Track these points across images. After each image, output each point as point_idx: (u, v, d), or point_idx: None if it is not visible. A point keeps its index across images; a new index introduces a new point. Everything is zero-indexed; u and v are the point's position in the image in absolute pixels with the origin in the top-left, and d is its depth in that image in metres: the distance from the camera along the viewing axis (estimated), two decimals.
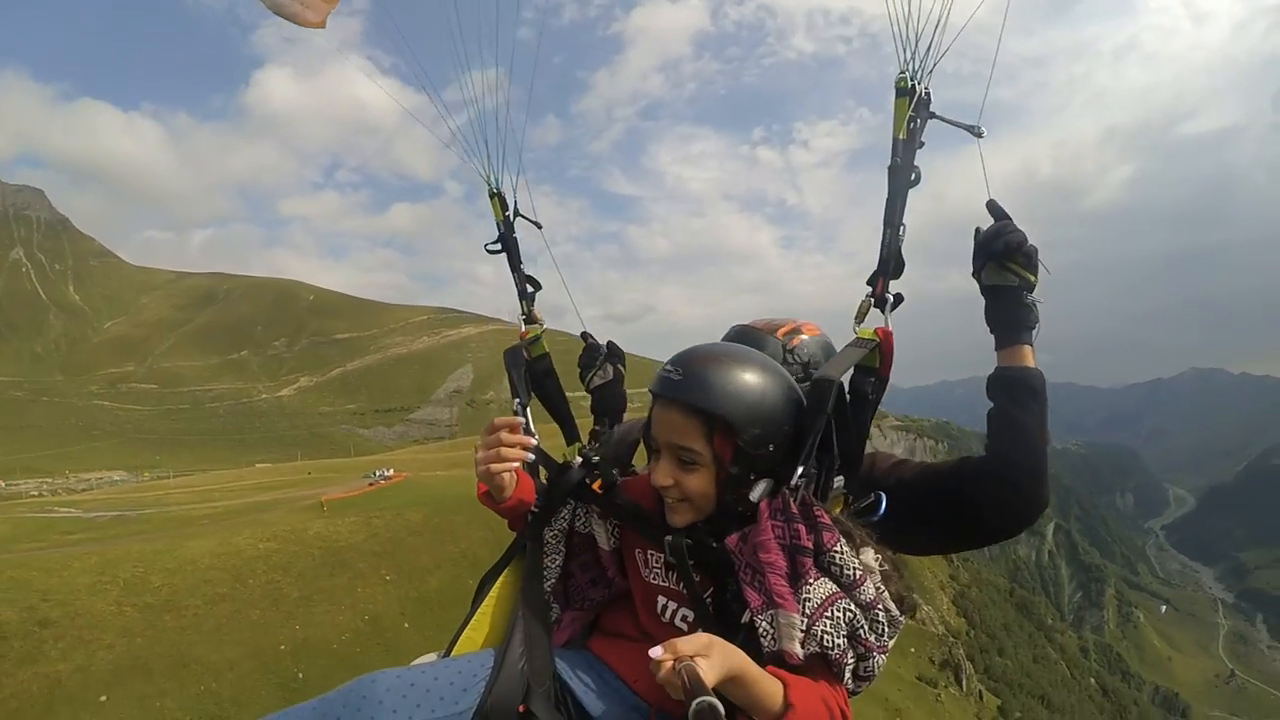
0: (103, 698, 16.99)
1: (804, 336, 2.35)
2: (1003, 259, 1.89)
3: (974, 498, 1.89)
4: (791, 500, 1.64)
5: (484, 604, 2.06)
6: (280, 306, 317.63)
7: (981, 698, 48.75)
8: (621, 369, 2.56)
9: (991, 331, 1.94)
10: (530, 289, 2.69)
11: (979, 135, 1.94)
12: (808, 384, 2.01)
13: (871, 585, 1.57)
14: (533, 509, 2.09)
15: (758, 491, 1.71)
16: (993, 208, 1.93)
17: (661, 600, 1.89)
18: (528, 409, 2.31)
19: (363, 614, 24.79)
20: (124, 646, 10.91)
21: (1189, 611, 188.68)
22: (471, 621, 2.04)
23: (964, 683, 46.74)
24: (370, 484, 49.91)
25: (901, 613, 1.62)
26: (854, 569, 1.57)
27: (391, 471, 57.02)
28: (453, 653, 1.97)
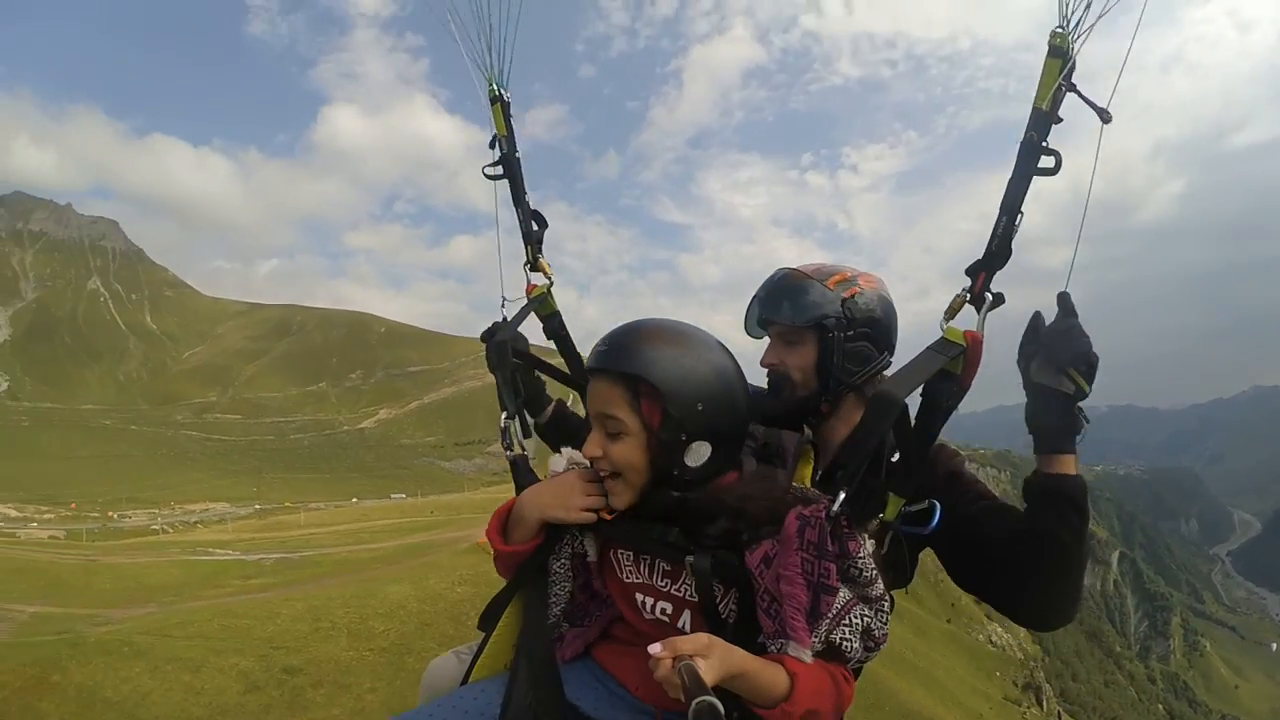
0: None
1: (861, 288, 2.09)
2: (1066, 364, 1.68)
3: (1008, 589, 1.82)
4: (829, 535, 1.51)
5: (498, 630, 2.00)
6: (353, 338, 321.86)
7: (1060, 718, 49.43)
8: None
9: (1032, 433, 1.77)
10: (536, 227, 2.38)
11: (1107, 120, 1.64)
12: (862, 344, 2.04)
13: (881, 581, 1.55)
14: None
15: (696, 456, 1.66)
16: (1063, 302, 1.69)
17: (639, 596, 1.82)
18: (517, 421, 2.14)
19: None
20: (386, 689, 10.73)
21: (1256, 639, 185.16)
22: (488, 647, 2.00)
23: (1044, 704, 47.45)
24: None
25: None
26: (871, 569, 1.53)
27: None
28: (471, 677, 1.98)
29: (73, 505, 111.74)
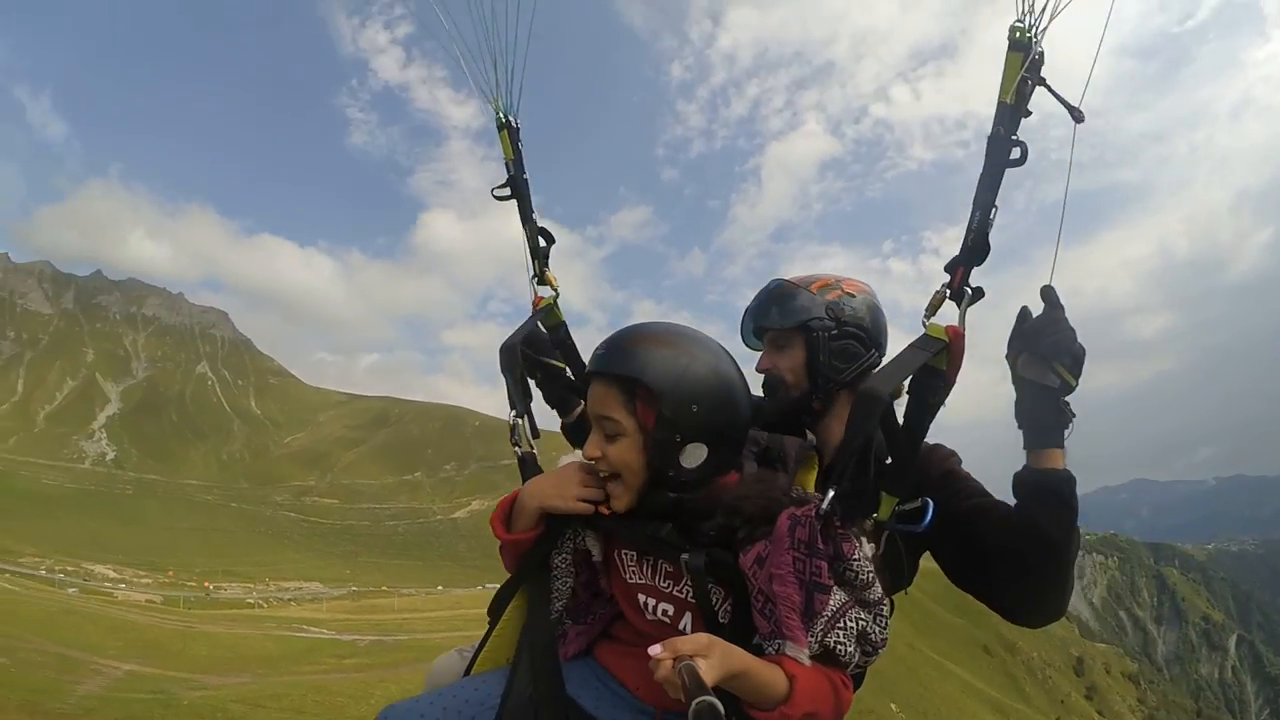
0: None
1: (844, 290, 2.22)
2: (1049, 357, 1.73)
3: (1000, 586, 1.90)
4: (820, 533, 1.53)
5: (500, 624, 2.04)
6: (448, 431, 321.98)
7: None
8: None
9: (1021, 428, 1.83)
10: (544, 243, 2.49)
11: (1079, 120, 1.71)
12: (848, 342, 2.16)
13: (880, 585, 1.56)
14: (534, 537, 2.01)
15: (693, 457, 1.68)
16: (1047, 295, 1.75)
17: (642, 597, 1.84)
18: (525, 421, 2.22)
19: None
20: None
21: None
22: (490, 640, 2.04)
23: None
24: None
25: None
26: (867, 572, 1.54)
27: None
28: (474, 670, 2.02)
29: (170, 573, 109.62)
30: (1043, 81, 1.70)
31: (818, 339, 2.16)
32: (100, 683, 15.04)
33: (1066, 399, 1.76)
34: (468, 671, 2.03)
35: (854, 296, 2.22)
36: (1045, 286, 1.75)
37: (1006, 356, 1.81)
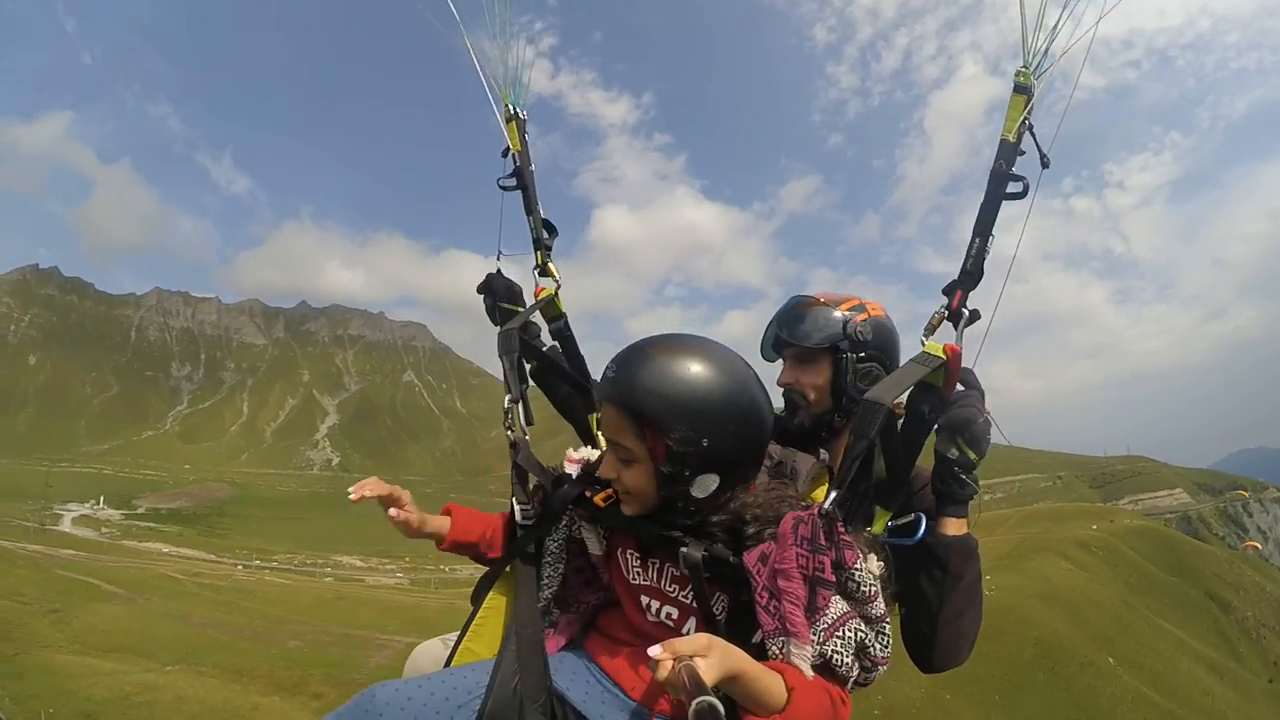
0: None
1: (870, 312, 2.30)
2: (954, 431, 1.88)
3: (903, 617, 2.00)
4: (822, 529, 1.56)
5: (481, 613, 2.05)
6: None
7: None
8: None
9: (934, 496, 1.95)
10: (547, 235, 2.52)
11: (1045, 166, 1.87)
12: (872, 365, 2.24)
13: (882, 600, 1.57)
14: (523, 522, 2.04)
15: (702, 487, 1.67)
16: (966, 376, 1.90)
17: (645, 599, 1.85)
18: (520, 406, 2.21)
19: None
20: None
21: None
22: (470, 632, 2.04)
23: None
24: None
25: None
26: (870, 585, 1.55)
27: None
28: (452, 663, 2.00)
29: (406, 559, 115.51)
30: (1030, 129, 1.86)
31: (845, 360, 2.23)
32: (388, 655, 19.36)
33: (971, 473, 1.90)
34: (448, 662, 2.01)
35: (879, 319, 2.28)
36: (966, 368, 1.87)
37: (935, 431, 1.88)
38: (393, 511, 2.00)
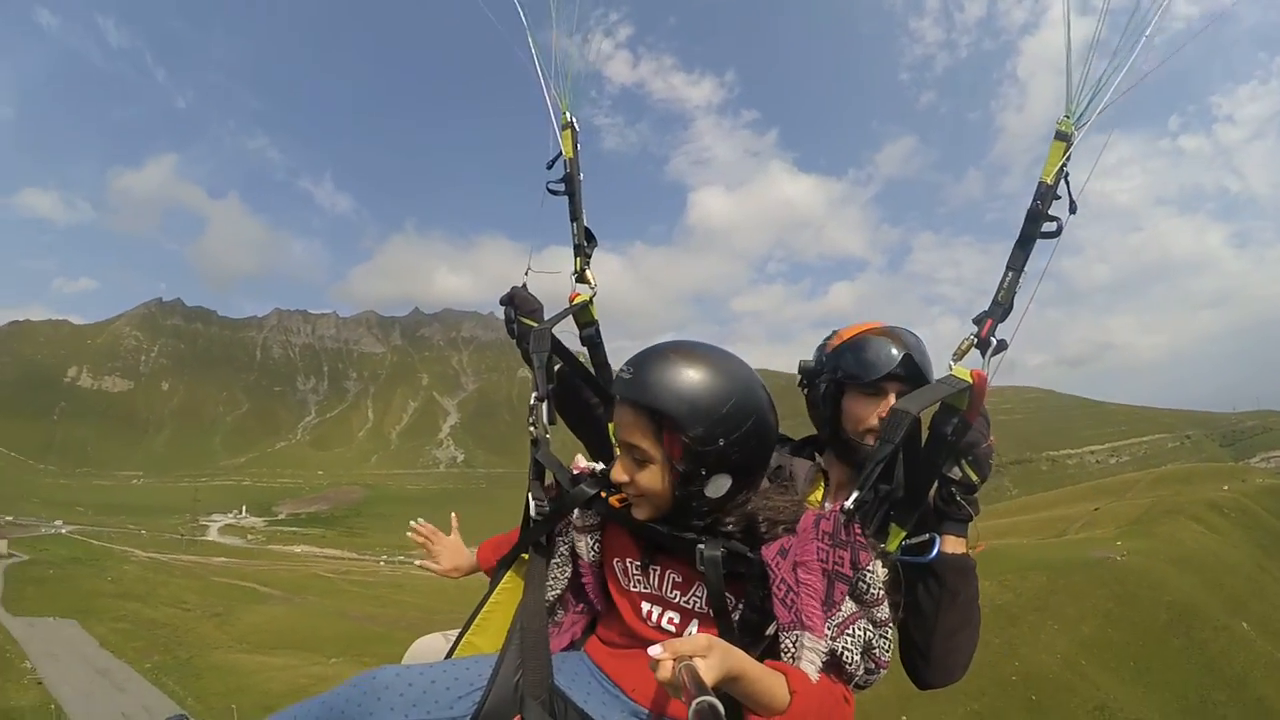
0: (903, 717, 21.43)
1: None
2: (960, 455, 1.93)
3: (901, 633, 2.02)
4: (843, 526, 1.64)
5: (485, 608, 2.13)
6: None
7: None
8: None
9: (934, 513, 1.99)
10: (587, 243, 2.59)
11: (1073, 211, 1.93)
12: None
13: (888, 604, 1.64)
14: (537, 515, 2.11)
15: (716, 488, 1.71)
16: (970, 398, 1.90)
17: (646, 606, 1.87)
18: (545, 405, 2.28)
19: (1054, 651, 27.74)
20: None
21: None
22: (474, 626, 2.11)
23: None
24: None
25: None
26: (878, 588, 1.62)
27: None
28: (455, 653, 2.08)
29: None
30: (1065, 176, 1.91)
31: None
32: None
33: (972, 495, 1.96)
34: (450, 655, 2.08)
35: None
36: (971, 388, 1.86)
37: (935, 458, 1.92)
38: (418, 563, 2.37)
